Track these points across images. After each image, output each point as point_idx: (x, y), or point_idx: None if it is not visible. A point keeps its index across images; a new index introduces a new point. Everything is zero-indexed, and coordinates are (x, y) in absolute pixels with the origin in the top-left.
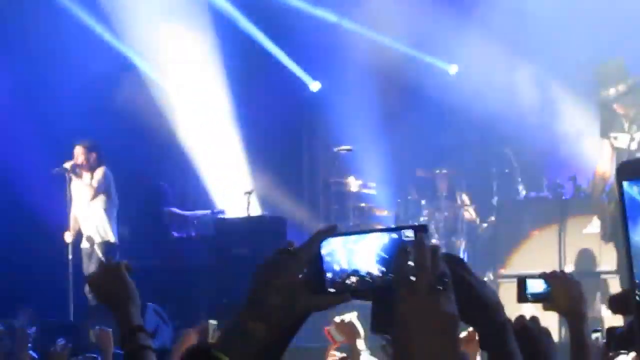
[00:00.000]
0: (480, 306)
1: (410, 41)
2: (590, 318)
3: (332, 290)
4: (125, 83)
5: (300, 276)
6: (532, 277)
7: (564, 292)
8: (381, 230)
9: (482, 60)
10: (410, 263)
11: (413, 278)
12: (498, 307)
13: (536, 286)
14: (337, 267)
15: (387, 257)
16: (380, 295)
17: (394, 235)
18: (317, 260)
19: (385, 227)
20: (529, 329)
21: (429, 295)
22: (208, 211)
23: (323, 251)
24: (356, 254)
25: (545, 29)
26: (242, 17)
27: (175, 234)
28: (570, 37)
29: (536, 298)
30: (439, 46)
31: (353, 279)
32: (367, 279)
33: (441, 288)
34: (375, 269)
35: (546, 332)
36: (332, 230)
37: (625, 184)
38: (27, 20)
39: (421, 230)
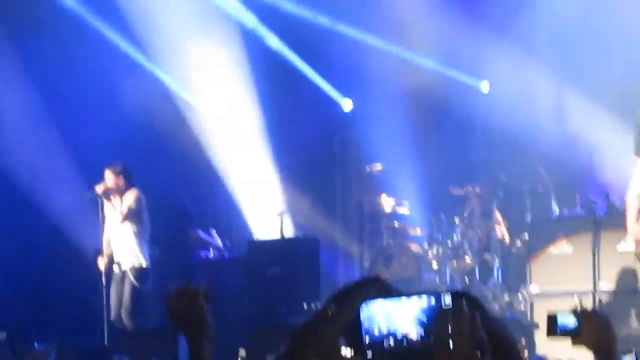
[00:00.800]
0: (502, 348)
1: (441, 58)
2: (626, 335)
3: (369, 352)
4: (158, 105)
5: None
6: (563, 312)
7: (593, 329)
8: (420, 294)
9: (514, 77)
10: (449, 328)
11: (452, 344)
12: (516, 350)
13: (566, 321)
14: (375, 331)
15: (425, 321)
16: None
17: (433, 300)
18: (356, 324)
19: (425, 291)
20: None
21: None
22: (220, 244)
23: (362, 315)
24: (395, 318)
25: (581, 46)
26: (273, 35)
27: (206, 256)
28: (604, 53)
29: (565, 333)
30: (471, 63)
31: (391, 341)
32: (404, 342)
33: (479, 354)
34: (414, 333)
35: None
36: (371, 287)
37: None
38: (63, 44)
39: (460, 297)
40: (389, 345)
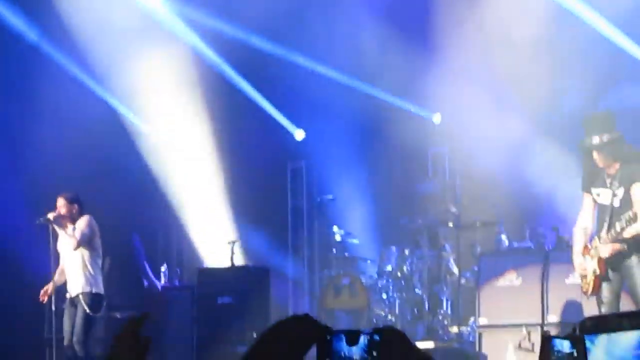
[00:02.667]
0: None
1: (394, 90)
2: None
3: None
4: (108, 132)
5: None
6: (558, 337)
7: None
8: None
9: (466, 110)
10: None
11: None
12: None
13: (562, 346)
14: None
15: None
16: None
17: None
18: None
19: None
20: None
21: None
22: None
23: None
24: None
25: (531, 78)
26: (226, 64)
27: (157, 284)
28: (555, 89)
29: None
30: (424, 95)
31: None
32: None
33: None
34: None
35: None
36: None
37: (587, 339)
38: (10, 66)
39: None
40: None
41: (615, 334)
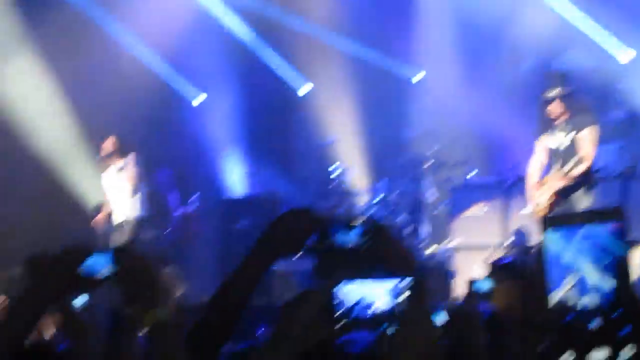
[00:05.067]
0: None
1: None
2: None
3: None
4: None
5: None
6: (481, 278)
7: (504, 291)
8: (385, 278)
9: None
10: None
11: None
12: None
13: (481, 285)
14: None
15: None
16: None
17: (396, 282)
18: (330, 301)
19: (396, 274)
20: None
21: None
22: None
23: (338, 294)
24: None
25: (497, 48)
26: (241, 24)
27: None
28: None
29: (482, 296)
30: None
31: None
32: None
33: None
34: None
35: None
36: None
37: (547, 231)
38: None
39: (419, 279)
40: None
41: (566, 229)
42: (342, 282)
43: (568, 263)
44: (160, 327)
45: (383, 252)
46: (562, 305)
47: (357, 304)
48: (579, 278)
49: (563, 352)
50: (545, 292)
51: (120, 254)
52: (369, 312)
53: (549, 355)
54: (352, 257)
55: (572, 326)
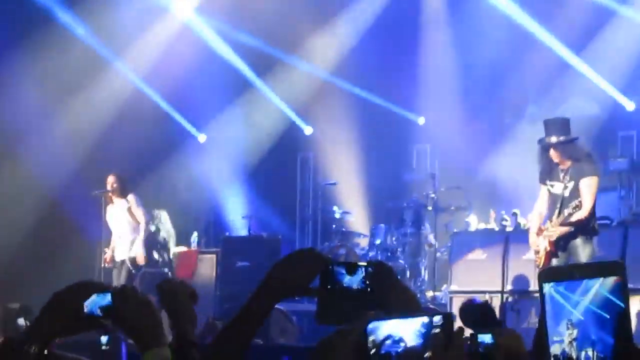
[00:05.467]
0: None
1: (386, 96)
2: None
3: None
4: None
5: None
6: (482, 332)
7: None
8: (415, 316)
9: (446, 114)
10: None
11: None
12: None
13: (484, 339)
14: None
15: (422, 334)
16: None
17: (426, 319)
18: (364, 339)
19: (420, 313)
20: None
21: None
22: None
23: (370, 331)
24: (397, 334)
25: (499, 93)
26: (250, 71)
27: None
28: (519, 100)
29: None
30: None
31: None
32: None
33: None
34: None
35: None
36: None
37: (545, 285)
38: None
39: (449, 316)
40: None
41: (565, 282)
42: (370, 321)
43: (567, 316)
44: None
45: (388, 294)
46: (562, 358)
47: (385, 339)
48: (579, 331)
49: None
50: (546, 344)
51: (120, 295)
52: (399, 348)
53: None
54: (357, 299)
55: None
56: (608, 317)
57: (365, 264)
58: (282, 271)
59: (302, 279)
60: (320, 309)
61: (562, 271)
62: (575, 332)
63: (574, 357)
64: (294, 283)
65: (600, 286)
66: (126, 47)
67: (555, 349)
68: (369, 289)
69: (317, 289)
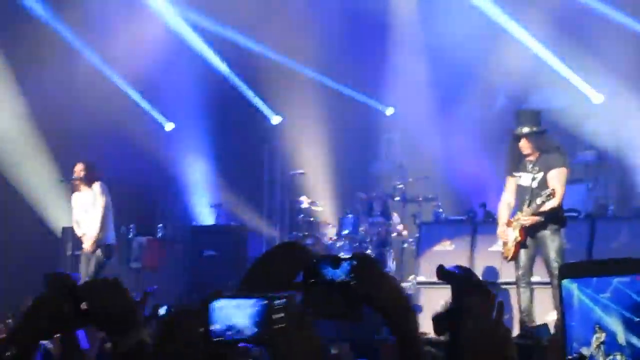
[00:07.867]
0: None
1: (355, 86)
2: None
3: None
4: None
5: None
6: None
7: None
8: (253, 297)
9: (415, 105)
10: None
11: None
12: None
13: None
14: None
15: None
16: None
17: (265, 302)
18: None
19: (261, 295)
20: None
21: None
22: None
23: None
24: (235, 314)
25: (468, 84)
26: (219, 61)
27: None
28: (488, 92)
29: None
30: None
31: (230, 332)
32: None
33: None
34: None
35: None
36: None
37: (565, 281)
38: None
39: (292, 298)
40: (230, 334)
41: (592, 284)
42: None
43: (596, 319)
44: (137, 351)
45: (373, 286)
46: None
47: (227, 329)
48: (607, 335)
49: None
50: (565, 347)
51: (88, 292)
52: (239, 336)
53: None
54: (342, 292)
55: None
56: (637, 320)
57: (349, 257)
58: (265, 266)
59: (286, 274)
60: (304, 303)
61: (583, 267)
62: (603, 335)
63: None
64: (278, 278)
65: (628, 287)
66: (95, 34)
67: (582, 353)
68: (353, 282)
69: (301, 283)
